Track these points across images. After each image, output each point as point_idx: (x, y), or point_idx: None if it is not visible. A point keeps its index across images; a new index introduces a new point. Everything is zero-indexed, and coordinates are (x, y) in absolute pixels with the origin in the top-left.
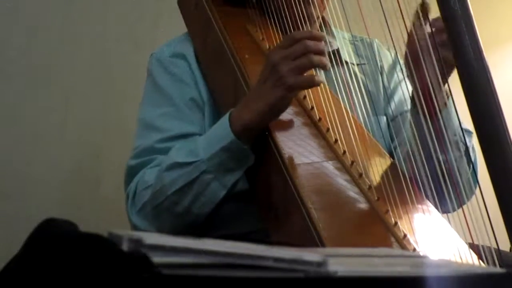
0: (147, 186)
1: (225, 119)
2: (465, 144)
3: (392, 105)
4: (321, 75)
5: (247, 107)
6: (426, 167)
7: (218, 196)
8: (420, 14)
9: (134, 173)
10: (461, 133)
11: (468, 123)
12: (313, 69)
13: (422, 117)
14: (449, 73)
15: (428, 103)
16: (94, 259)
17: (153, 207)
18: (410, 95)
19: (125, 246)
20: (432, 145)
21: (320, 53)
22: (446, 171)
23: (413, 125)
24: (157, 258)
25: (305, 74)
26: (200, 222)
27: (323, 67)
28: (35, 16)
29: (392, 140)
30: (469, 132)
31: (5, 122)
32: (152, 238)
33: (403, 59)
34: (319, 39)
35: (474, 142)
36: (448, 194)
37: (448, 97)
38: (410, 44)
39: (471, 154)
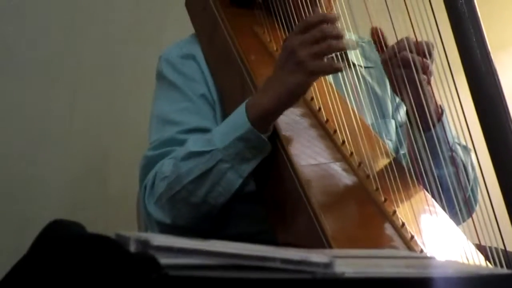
0: (164, 176)
1: (241, 108)
2: (459, 159)
3: (401, 111)
4: (328, 77)
5: (264, 93)
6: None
7: (234, 186)
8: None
9: (153, 164)
10: (457, 149)
11: (475, 125)
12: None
13: (417, 132)
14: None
15: (420, 119)
16: (102, 260)
17: (169, 197)
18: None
19: (132, 248)
20: (427, 160)
21: (338, 37)
22: (439, 187)
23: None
24: (164, 260)
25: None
26: (215, 213)
27: (342, 50)
28: (42, 15)
29: (401, 145)
30: (467, 149)
31: (11, 122)
32: (160, 239)
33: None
34: (332, 20)
35: (473, 159)
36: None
37: (442, 113)
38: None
39: (470, 171)
